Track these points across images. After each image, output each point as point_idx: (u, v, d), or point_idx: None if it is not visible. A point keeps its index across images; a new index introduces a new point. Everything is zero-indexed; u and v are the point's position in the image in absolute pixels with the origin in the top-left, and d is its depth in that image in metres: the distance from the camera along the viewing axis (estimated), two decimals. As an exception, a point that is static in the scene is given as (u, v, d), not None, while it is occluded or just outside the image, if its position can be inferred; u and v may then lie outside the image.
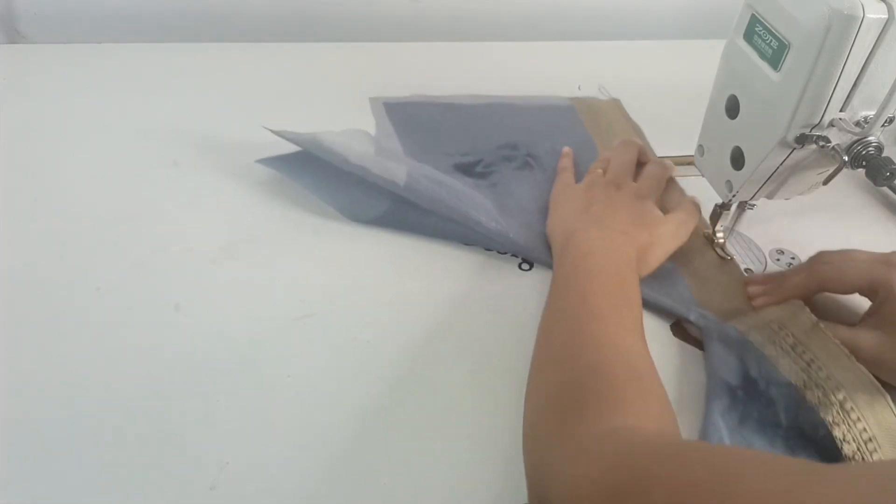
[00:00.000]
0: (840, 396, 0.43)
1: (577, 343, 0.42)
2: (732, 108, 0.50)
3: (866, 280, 0.47)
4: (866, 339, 0.46)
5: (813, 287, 0.50)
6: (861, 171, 0.46)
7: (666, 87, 0.77)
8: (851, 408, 0.43)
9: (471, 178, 0.62)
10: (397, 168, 0.56)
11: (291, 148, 0.58)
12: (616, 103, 0.76)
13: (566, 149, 0.64)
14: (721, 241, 0.56)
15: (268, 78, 0.73)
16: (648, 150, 0.65)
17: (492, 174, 0.63)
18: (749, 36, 0.47)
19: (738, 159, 0.50)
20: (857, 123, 0.44)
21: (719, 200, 0.55)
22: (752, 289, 0.53)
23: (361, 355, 0.47)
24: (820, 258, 0.50)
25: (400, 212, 0.56)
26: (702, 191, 0.57)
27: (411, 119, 0.69)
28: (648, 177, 0.58)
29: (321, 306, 0.50)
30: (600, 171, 0.59)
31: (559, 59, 0.81)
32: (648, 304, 0.51)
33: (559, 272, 0.49)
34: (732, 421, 0.44)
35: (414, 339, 0.48)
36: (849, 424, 0.42)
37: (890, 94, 0.42)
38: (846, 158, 0.45)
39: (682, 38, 0.90)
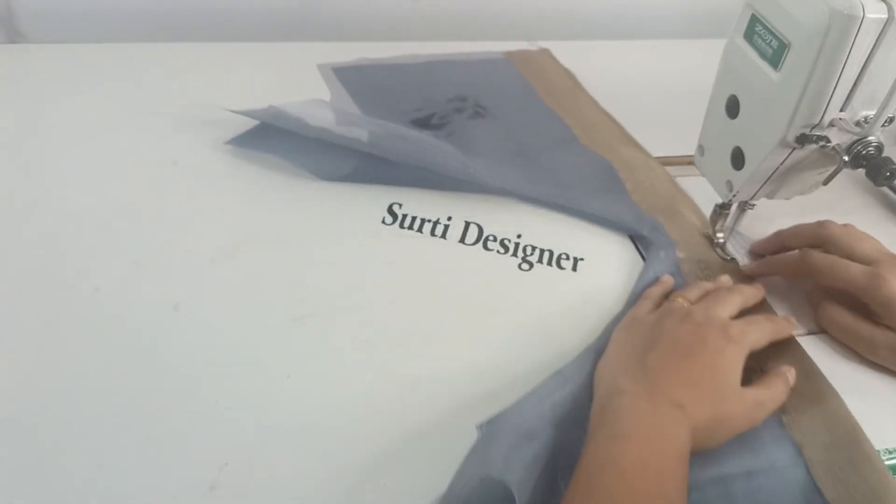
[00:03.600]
0: None
1: None
2: (732, 108, 0.50)
3: (854, 289, 0.48)
4: (885, 338, 0.47)
5: (803, 271, 0.50)
6: (861, 171, 0.46)
7: (666, 87, 0.77)
8: None
9: (428, 130, 0.66)
10: (358, 128, 0.60)
11: (254, 125, 0.62)
12: (546, 52, 0.82)
13: (666, 277, 0.52)
14: (721, 241, 0.56)
15: (268, 78, 0.73)
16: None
17: (446, 125, 0.68)
18: (749, 36, 0.47)
19: (738, 159, 0.50)
20: (858, 123, 0.44)
21: (719, 200, 0.55)
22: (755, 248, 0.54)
23: (361, 355, 0.47)
24: (825, 234, 0.50)
25: (369, 166, 0.60)
26: (702, 191, 0.57)
27: (362, 82, 0.73)
28: (754, 323, 0.45)
29: (321, 306, 0.50)
30: (682, 300, 0.47)
31: (560, 60, 0.81)
32: None
33: (587, 453, 0.38)
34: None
35: (413, 339, 0.48)
36: None
37: (890, 94, 0.42)
38: (846, 158, 0.45)
39: (682, 38, 0.90)
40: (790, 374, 0.45)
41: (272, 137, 0.62)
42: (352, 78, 0.73)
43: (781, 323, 0.48)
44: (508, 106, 0.72)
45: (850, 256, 0.49)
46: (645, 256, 0.56)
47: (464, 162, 0.59)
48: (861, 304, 0.48)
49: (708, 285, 0.50)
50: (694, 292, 0.49)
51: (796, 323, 0.50)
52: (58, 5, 0.77)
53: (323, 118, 0.61)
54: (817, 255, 0.50)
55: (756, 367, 0.45)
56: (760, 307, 0.51)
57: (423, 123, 0.68)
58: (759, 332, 0.45)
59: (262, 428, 0.42)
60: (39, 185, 0.57)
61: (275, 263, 0.52)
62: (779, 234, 0.54)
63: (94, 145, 0.62)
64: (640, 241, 0.58)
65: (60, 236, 0.53)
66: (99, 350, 0.45)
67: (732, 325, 0.44)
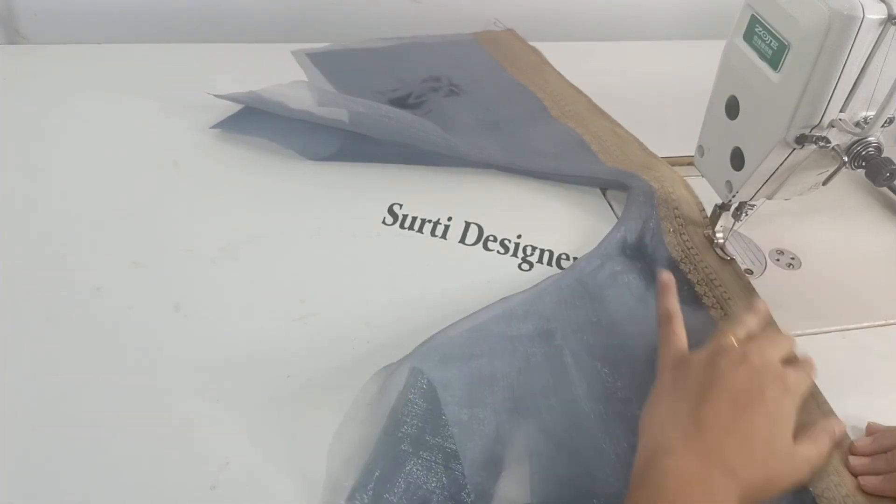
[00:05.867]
0: (707, 270, 0.54)
1: None
2: (732, 109, 0.50)
3: None
4: None
5: None
6: (861, 171, 0.46)
7: (666, 87, 0.77)
8: (716, 279, 0.53)
9: (406, 109, 0.68)
10: (339, 108, 0.62)
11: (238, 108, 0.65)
12: (512, 33, 0.84)
13: (666, 275, 0.48)
14: (721, 241, 0.56)
15: (268, 77, 0.73)
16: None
17: (424, 103, 0.70)
18: (749, 36, 0.47)
19: (738, 159, 0.50)
20: (857, 124, 0.44)
21: (719, 200, 0.55)
22: (860, 466, 0.43)
23: (361, 355, 0.47)
24: None
25: (354, 144, 0.62)
26: (702, 191, 0.57)
27: (337, 65, 0.75)
28: (805, 371, 0.42)
29: (321, 306, 0.50)
30: (732, 337, 0.43)
31: (560, 60, 0.81)
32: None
33: None
34: (620, 257, 0.55)
35: (413, 339, 0.48)
36: (711, 286, 0.53)
37: (890, 95, 0.42)
38: (846, 159, 0.45)
39: (682, 39, 0.90)
40: (837, 427, 0.42)
41: (257, 120, 0.64)
42: (326, 62, 0.75)
43: (812, 368, 0.44)
44: (481, 83, 0.75)
45: None
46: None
47: (445, 136, 0.61)
48: None
49: (752, 321, 0.45)
50: (741, 329, 0.44)
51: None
52: (58, 5, 0.77)
53: (304, 100, 0.63)
54: None
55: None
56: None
57: (400, 103, 0.69)
58: (809, 381, 0.42)
59: (262, 428, 0.42)
60: (40, 185, 0.57)
61: (275, 264, 0.52)
62: (888, 459, 0.43)
63: (94, 145, 0.62)
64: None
65: (61, 236, 0.53)
66: (100, 350, 0.45)
67: (789, 373, 0.41)
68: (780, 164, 0.48)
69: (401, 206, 0.59)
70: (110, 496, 0.38)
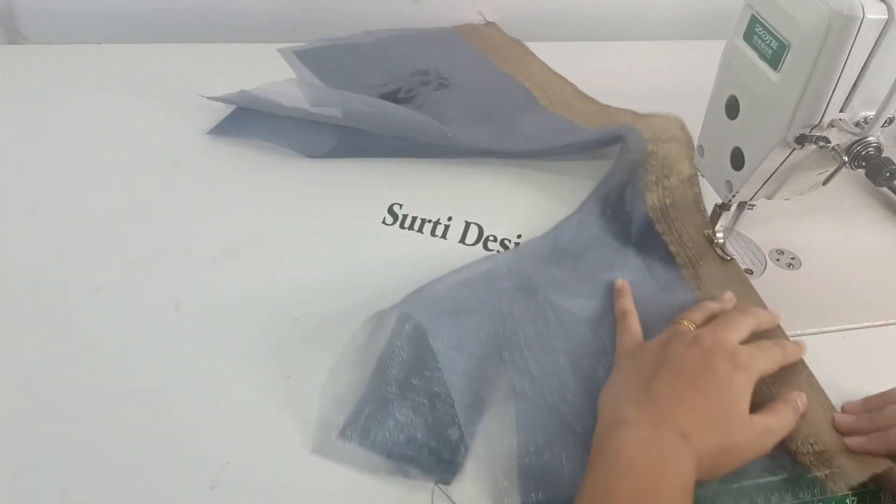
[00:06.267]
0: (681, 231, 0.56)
1: None
2: (732, 109, 0.50)
3: None
4: None
5: None
6: (861, 171, 0.46)
7: (666, 87, 0.77)
8: (688, 239, 0.56)
9: (397, 103, 0.67)
10: (332, 104, 0.63)
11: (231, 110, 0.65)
12: (495, 26, 0.86)
13: (620, 282, 0.51)
14: (721, 241, 0.56)
15: (268, 78, 0.73)
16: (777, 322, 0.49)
17: (414, 98, 0.70)
18: (749, 36, 0.47)
19: (738, 159, 0.50)
20: (857, 124, 0.44)
21: (719, 200, 0.55)
22: (845, 422, 0.44)
23: (362, 355, 0.47)
24: None
25: (350, 140, 0.63)
26: (702, 191, 0.57)
27: (325, 62, 0.75)
28: (764, 349, 0.44)
29: (321, 306, 0.50)
30: (687, 322, 0.45)
31: (560, 60, 0.81)
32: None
33: (586, 486, 0.37)
34: (600, 219, 0.57)
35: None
36: (683, 247, 0.55)
37: (890, 95, 0.42)
38: (846, 159, 0.45)
39: (682, 39, 0.90)
40: (800, 399, 0.43)
41: (251, 122, 0.64)
42: (314, 59, 0.76)
43: (791, 348, 0.46)
44: (469, 76, 0.76)
45: None
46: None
47: (440, 127, 0.62)
48: None
49: (713, 306, 0.48)
50: (698, 314, 0.46)
51: (806, 346, 0.48)
52: (58, 5, 0.77)
53: (296, 98, 0.63)
54: None
55: (765, 392, 0.45)
56: (773, 332, 0.49)
57: (391, 98, 0.70)
58: (769, 359, 0.43)
59: (262, 428, 0.42)
60: (40, 185, 0.57)
61: (275, 264, 0.52)
62: (872, 417, 0.44)
63: (94, 145, 0.62)
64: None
65: (61, 236, 0.53)
66: (100, 349, 0.45)
67: (741, 350, 0.42)
68: (780, 164, 0.48)
69: (401, 206, 0.59)
70: (110, 496, 0.38)
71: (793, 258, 0.58)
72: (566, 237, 0.56)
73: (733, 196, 0.52)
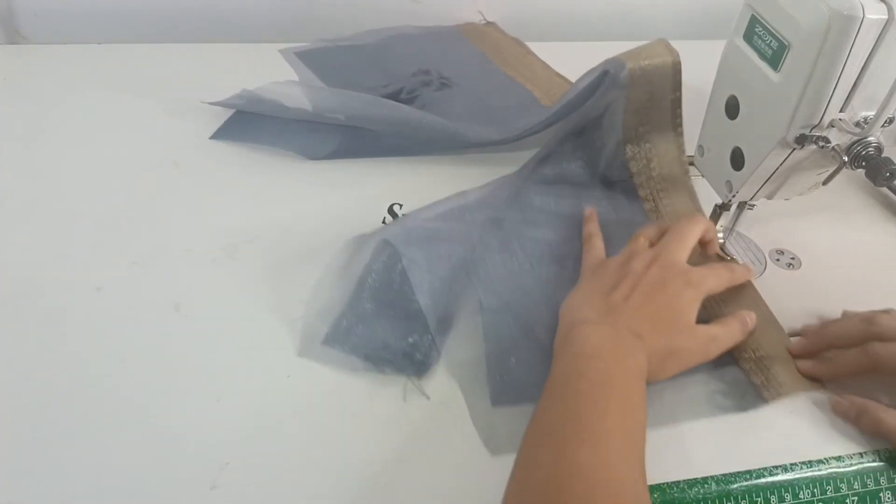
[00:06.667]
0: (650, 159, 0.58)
1: (563, 473, 0.35)
2: (732, 108, 0.50)
3: None
4: None
5: (866, 366, 0.45)
6: (861, 171, 0.46)
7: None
8: (656, 170, 0.58)
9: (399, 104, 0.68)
10: (334, 105, 0.63)
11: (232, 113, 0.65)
12: (495, 26, 0.86)
13: (589, 210, 0.57)
14: (721, 241, 0.56)
15: (269, 78, 0.73)
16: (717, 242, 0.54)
17: (416, 98, 0.71)
18: (749, 36, 0.47)
19: (738, 159, 0.50)
20: (857, 124, 0.44)
21: (719, 200, 0.55)
22: (798, 346, 0.48)
23: (361, 355, 0.47)
24: (875, 329, 0.46)
25: (352, 140, 0.63)
26: (702, 191, 0.57)
27: (326, 63, 0.75)
28: (713, 270, 0.49)
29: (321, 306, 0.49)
30: (644, 240, 0.50)
31: (561, 60, 0.81)
32: None
33: (555, 371, 0.42)
34: (573, 152, 0.61)
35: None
36: (649, 178, 0.58)
37: (890, 95, 0.42)
38: (846, 159, 0.45)
39: (682, 38, 0.90)
40: (749, 318, 0.48)
41: (252, 125, 0.64)
42: (316, 60, 0.76)
43: (739, 270, 0.51)
44: (470, 76, 0.75)
45: None
46: None
47: (442, 122, 0.62)
48: None
49: (664, 224, 0.52)
50: (653, 230, 0.51)
51: (754, 271, 0.53)
52: (58, 5, 0.77)
53: (298, 98, 0.63)
54: (880, 346, 0.45)
55: (716, 309, 0.51)
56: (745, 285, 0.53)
57: (393, 98, 0.69)
58: (716, 279, 0.48)
59: (263, 427, 0.42)
60: (40, 185, 0.57)
61: (276, 263, 0.52)
62: (822, 333, 0.48)
63: (94, 145, 0.62)
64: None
65: (61, 236, 0.53)
66: (100, 350, 0.45)
67: (693, 270, 0.47)
68: (780, 164, 0.48)
69: (401, 206, 0.59)
70: (110, 496, 0.38)
71: (793, 258, 0.58)
72: (536, 174, 0.60)
73: (733, 196, 0.53)
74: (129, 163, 0.60)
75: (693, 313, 0.45)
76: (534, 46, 0.83)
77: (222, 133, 0.64)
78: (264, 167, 0.61)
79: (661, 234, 0.51)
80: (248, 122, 0.64)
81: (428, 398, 0.44)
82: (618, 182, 0.60)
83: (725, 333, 0.46)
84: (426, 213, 0.55)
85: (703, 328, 0.45)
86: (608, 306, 0.45)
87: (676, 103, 0.57)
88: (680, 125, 0.58)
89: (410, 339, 0.46)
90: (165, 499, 0.39)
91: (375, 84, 0.72)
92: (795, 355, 0.48)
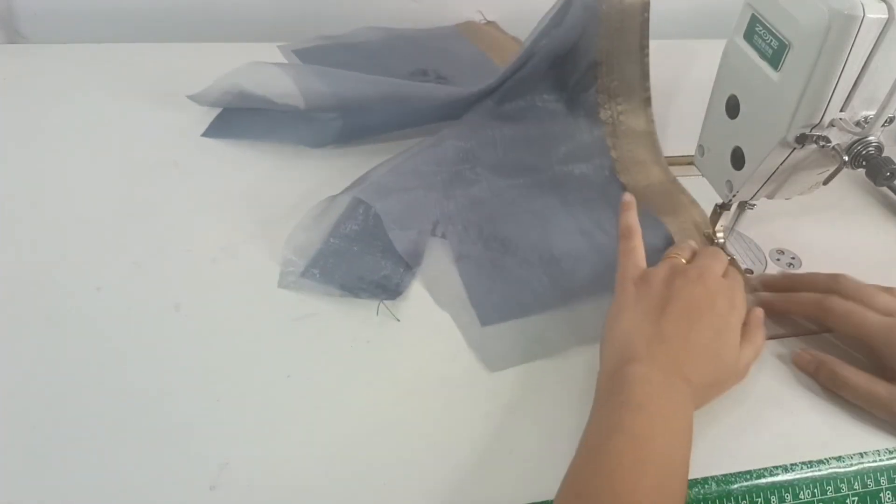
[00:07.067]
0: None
1: None
2: (732, 108, 0.50)
3: (870, 340, 0.46)
4: (885, 391, 0.45)
5: (817, 313, 0.49)
6: (861, 171, 0.46)
7: (666, 87, 0.77)
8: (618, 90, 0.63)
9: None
10: (322, 93, 0.62)
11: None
12: (494, 25, 0.86)
13: (628, 197, 0.53)
14: (721, 241, 0.56)
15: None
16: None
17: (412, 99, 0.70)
18: (749, 36, 0.47)
19: (738, 159, 0.50)
20: (858, 123, 0.44)
21: (719, 200, 0.55)
22: (767, 279, 0.54)
23: (361, 355, 0.47)
24: (838, 287, 0.49)
25: (356, 119, 0.63)
26: (702, 191, 0.57)
27: (324, 62, 0.74)
28: (743, 291, 0.48)
29: (321, 306, 0.50)
30: (682, 259, 0.49)
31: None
32: None
33: (596, 417, 0.40)
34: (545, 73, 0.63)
35: (413, 339, 0.48)
36: (611, 97, 0.63)
37: (890, 94, 0.42)
38: (846, 158, 0.45)
39: (682, 38, 0.90)
40: (762, 314, 0.48)
41: (246, 118, 0.64)
42: (314, 58, 0.75)
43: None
44: (467, 75, 0.74)
45: (868, 308, 0.47)
46: None
47: (435, 87, 0.64)
48: (874, 364, 0.47)
49: (694, 245, 0.51)
50: (687, 252, 0.50)
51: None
52: (58, 5, 0.77)
53: (285, 87, 0.62)
54: (837, 300, 0.48)
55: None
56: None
57: None
58: (745, 299, 0.48)
59: (263, 427, 0.42)
60: (40, 185, 0.57)
61: (276, 263, 0.52)
62: (791, 277, 0.54)
63: (94, 145, 0.62)
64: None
65: (61, 236, 0.53)
66: (100, 350, 0.45)
67: (737, 291, 0.47)
68: (781, 164, 0.48)
69: (401, 205, 0.59)
70: (110, 496, 0.38)
71: (793, 258, 0.58)
72: (503, 104, 0.63)
73: (734, 196, 0.52)
74: (129, 163, 0.60)
75: (737, 339, 0.45)
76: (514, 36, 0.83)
77: (213, 131, 0.64)
78: (264, 167, 0.61)
79: (693, 255, 0.50)
80: (239, 116, 0.64)
81: (398, 320, 0.48)
82: (582, 105, 0.63)
83: (755, 351, 0.46)
84: (399, 164, 0.56)
85: (743, 357, 0.45)
86: (658, 337, 0.42)
87: (645, 24, 0.60)
88: (646, 46, 0.61)
89: (384, 273, 0.51)
90: (165, 499, 0.39)
91: None
92: (763, 287, 0.52)
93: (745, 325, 0.46)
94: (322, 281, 0.50)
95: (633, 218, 0.51)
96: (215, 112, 0.66)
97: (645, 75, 0.62)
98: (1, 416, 0.41)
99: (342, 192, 0.53)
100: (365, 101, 0.62)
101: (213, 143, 0.63)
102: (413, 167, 0.56)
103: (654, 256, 0.50)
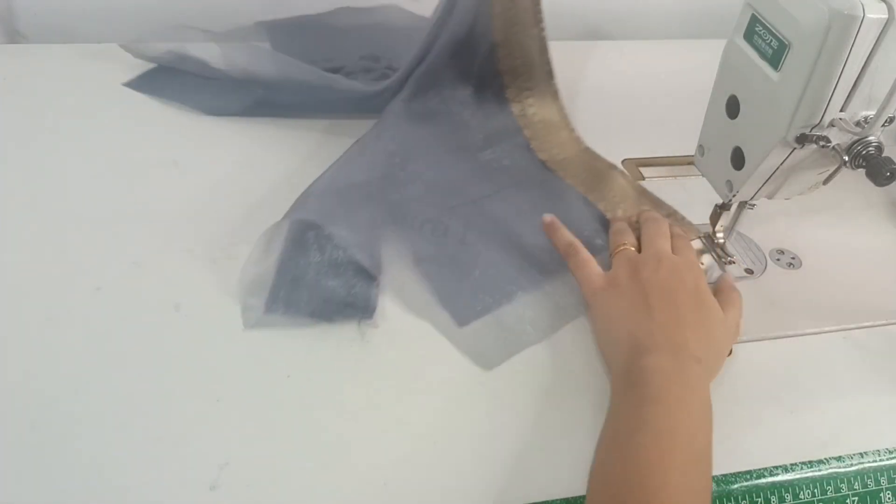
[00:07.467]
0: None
1: None
2: (732, 108, 0.50)
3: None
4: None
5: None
6: (861, 171, 0.46)
7: (666, 87, 0.77)
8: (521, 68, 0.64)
9: None
10: (261, 64, 0.64)
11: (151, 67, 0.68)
12: None
13: (549, 218, 0.55)
14: (721, 241, 0.56)
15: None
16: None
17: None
18: (749, 36, 0.47)
19: (738, 159, 0.50)
20: (858, 123, 0.44)
21: (719, 200, 0.55)
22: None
23: (361, 355, 0.47)
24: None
25: (270, 98, 0.64)
26: (702, 191, 0.57)
27: (288, 35, 0.74)
28: (683, 242, 0.52)
29: (321, 306, 0.49)
30: (629, 246, 0.51)
31: (560, 60, 0.81)
32: None
33: (616, 413, 0.41)
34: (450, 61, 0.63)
35: (413, 339, 0.48)
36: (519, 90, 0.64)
37: (890, 94, 0.41)
38: (846, 158, 0.45)
39: (682, 38, 0.90)
40: (732, 280, 0.51)
41: (175, 80, 0.66)
42: (280, 32, 0.75)
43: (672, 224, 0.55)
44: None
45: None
46: None
47: (364, 85, 0.64)
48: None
49: (625, 225, 0.54)
50: (630, 237, 0.52)
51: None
52: (58, 5, 0.77)
53: (224, 56, 0.64)
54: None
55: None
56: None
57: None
58: (690, 246, 0.52)
59: (263, 428, 0.42)
60: (39, 185, 0.57)
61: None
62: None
63: (94, 145, 0.62)
64: None
65: (61, 236, 0.53)
66: (100, 350, 0.45)
67: (691, 259, 0.49)
68: (781, 164, 0.48)
69: (401, 206, 0.58)
70: (110, 496, 0.38)
71: (793, 258, 0.58)
72: (418, 98, 0.63)
73: (733, 196, 0.52)
74: (129, 162, 0.60)
75: (714, 300, 0.47)
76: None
77: (137, 84, 0.67)
78: (264, 167, 0.61)
79: (633, 232, 0.53)
80: (169, 75, 0.67)
81: (368, 341, 0.47)
82: (489, 88, 0.63)
83: (739, 311, 0.48)
84: (326, 181, 0.55)
85: (730, 319, 0.47)
86: (658, 326, 0.44)
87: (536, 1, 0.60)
88: (542, 20, 0.61)
89: (350, 290, 0.49)
90: (165, 499, 0.39)
91: (318, 58, 0.70)
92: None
93: (720, 291, 0.49)
94: (288, 313, 0.47)
95: (565, 235, 0.53)
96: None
97: (543, 49, 0.63)
98: (1, 416, 0.41)
99: (284, 217, 0.51)
100: (281, 84, 0.64)
101: (213, 143, 0.63)
102: (347, 180, 0.55)
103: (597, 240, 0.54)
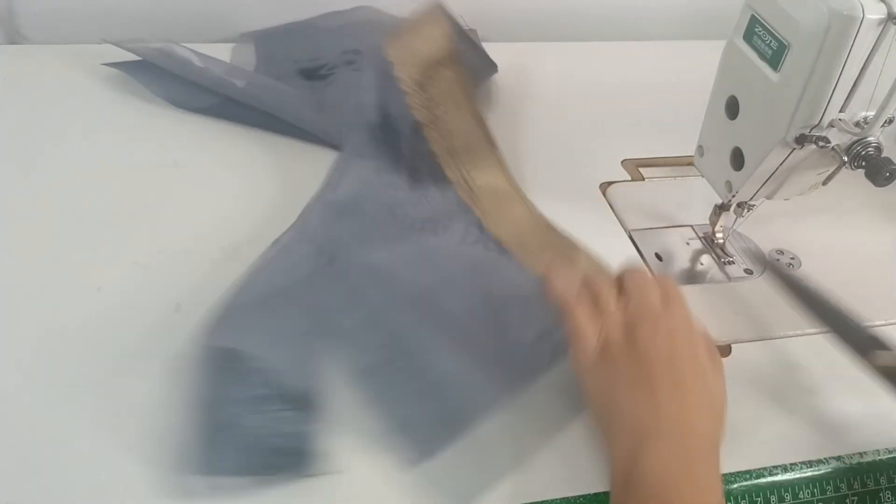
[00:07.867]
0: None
1: None
2: (732, 109, 0.50)
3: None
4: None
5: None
6: (861, 171, 0.46)
7: (666, 87, 0.77)
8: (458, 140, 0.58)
9: (311, 80, 0.69)
10: (239, 73, 0.64)
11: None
12: (473, 33, 0.78)
13: (547, 271, 0.46)
14: (721, 241, 0.56)
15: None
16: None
17: (330, 75, 0.69)
18: (749, 36, 0.47)
19: (737, 159, 0.50)
20: (857, 124, 0.45)
21: (719, 200, 0.55)
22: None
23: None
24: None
25: (226, 106, 0.64)
26: (702, 191, 0.57)
27: (273, 39, 0.75)
28: (674, 298, 0.44)
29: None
30: (616, 310, 0.43)
31: (560, 60, 0.81)
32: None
33: None
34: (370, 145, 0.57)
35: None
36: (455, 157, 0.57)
37: (890, 95, 0.42)
38: (846, 159, 0.45)
39: (682, 39, 0.90)
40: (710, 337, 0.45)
41: (147, 69, 0.66)
42: (265, 39, 0.75)
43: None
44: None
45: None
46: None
47: (312, 121, 0.63)
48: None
49: (608, 283, 0.45)
50: (612, 300, 0.44)
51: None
52: (58, 5, 0.77)
53: (209, 59, 0.66)
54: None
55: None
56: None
57: (309, 74, 0.70)
58: (682, 302, 0.44)
59: (263, 428, 0.42)
60: (40, 184, 0.57)
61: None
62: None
63: (94, 145, 0.62)
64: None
65: (61, 236, 0.53)
66: (100, 350, 0.45)
67: (675, 308, 0.43)
68: (780, 164, 0.48)
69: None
70: (110, 496, 0.38)
71: (793, 258, 0.58)
72: (341, 189, 0.55)
73: (733, 196, 0.53)
74: (129, 162, 0.60)
75: (708, 361, 0.42)
76: (533, 46, 0.83)
77: (123, 66, 0.67)
78: (265, 167, 0.61)
79: (617, 293, 0.44)
80: (144, 66, 0.67)
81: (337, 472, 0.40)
82: (423, 172, 0.56)
83: (723, 373, 0.43)
84: (246, 293, 0.46)
85: (719, 368, 0.42)
86: (657, 405, 0.39)
87: (460, 72, 0.57)
88: (472, 87, 0.57)
89: (292, 430, 0.40)
90: (165, 499, 0.38)
91: (302, 58, 0.71)
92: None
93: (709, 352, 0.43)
94: (216, 471, 0.39)
95: (562, 289, 0.45)
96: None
97: (479, 121, 0.57)
98: (1, 416, 0.41)
99: (194, 348, 0.43)
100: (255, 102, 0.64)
101: (213, 143, 0.63)
102: (266, 286, 0.47)
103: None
